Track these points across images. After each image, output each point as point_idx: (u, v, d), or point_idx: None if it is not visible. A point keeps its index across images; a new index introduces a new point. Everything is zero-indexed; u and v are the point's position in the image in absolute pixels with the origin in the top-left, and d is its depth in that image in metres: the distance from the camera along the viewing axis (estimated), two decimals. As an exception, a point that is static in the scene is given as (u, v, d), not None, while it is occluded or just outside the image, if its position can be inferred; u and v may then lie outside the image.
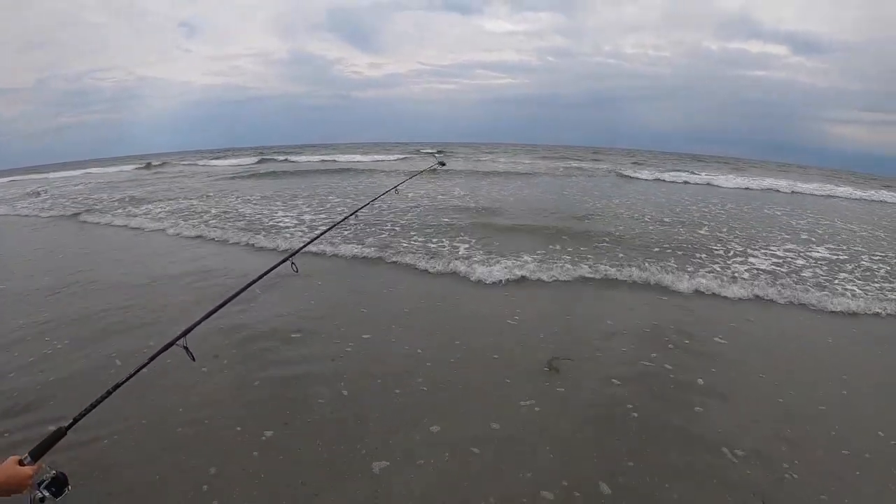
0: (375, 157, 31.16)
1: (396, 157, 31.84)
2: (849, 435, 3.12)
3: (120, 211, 11.72)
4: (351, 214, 3.61)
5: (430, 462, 2.78)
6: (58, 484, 1.32)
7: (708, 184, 19.10)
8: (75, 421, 1.47)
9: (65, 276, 6.39)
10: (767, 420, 3.29)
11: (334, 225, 3.62)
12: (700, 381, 3.74)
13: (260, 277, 2.67)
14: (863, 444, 3.03)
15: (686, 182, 19.34)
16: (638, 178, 19.84)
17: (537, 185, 16.72)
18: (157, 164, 32.20)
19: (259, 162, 29.50)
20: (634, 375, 3.81)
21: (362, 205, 3.87)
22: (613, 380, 3.72)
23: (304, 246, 3.13)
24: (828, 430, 3.18)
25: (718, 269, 6.75)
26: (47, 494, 1.29)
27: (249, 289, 2.44)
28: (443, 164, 4.63)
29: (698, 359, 4.12)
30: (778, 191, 18.00)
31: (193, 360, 1.81)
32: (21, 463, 1.30)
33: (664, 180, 19.56)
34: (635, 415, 3.28)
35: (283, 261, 2.68)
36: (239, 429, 3.04)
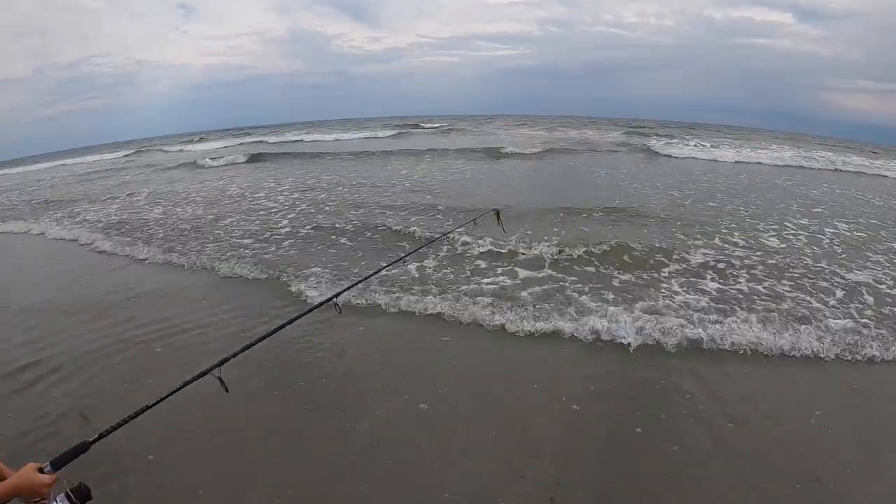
0: (369, 133, 30.18)
1: (394, 132, 30.34)
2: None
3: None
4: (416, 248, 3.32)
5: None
6: (80, 496, 1.26)
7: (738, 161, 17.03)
8: (101, 437, 1.41)
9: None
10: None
11: (394, 261, 3.33)
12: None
13: (302, 315, 2.50)
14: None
15: (716, 160, 17.34)
16: (665, 155, 18.10)
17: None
18: (131, 152, 31.07)
19: (241, 144, 28.57)
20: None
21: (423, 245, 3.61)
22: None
23: (351, 287, 2.88)
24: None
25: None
26: None
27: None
28: (498, 212, 4.41)
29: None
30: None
31: (227, 391, 1.71)
32: (41, 471, 1.28)
33: (697, 158, 17.83)
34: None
35: (327, 301, 2.58)
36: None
